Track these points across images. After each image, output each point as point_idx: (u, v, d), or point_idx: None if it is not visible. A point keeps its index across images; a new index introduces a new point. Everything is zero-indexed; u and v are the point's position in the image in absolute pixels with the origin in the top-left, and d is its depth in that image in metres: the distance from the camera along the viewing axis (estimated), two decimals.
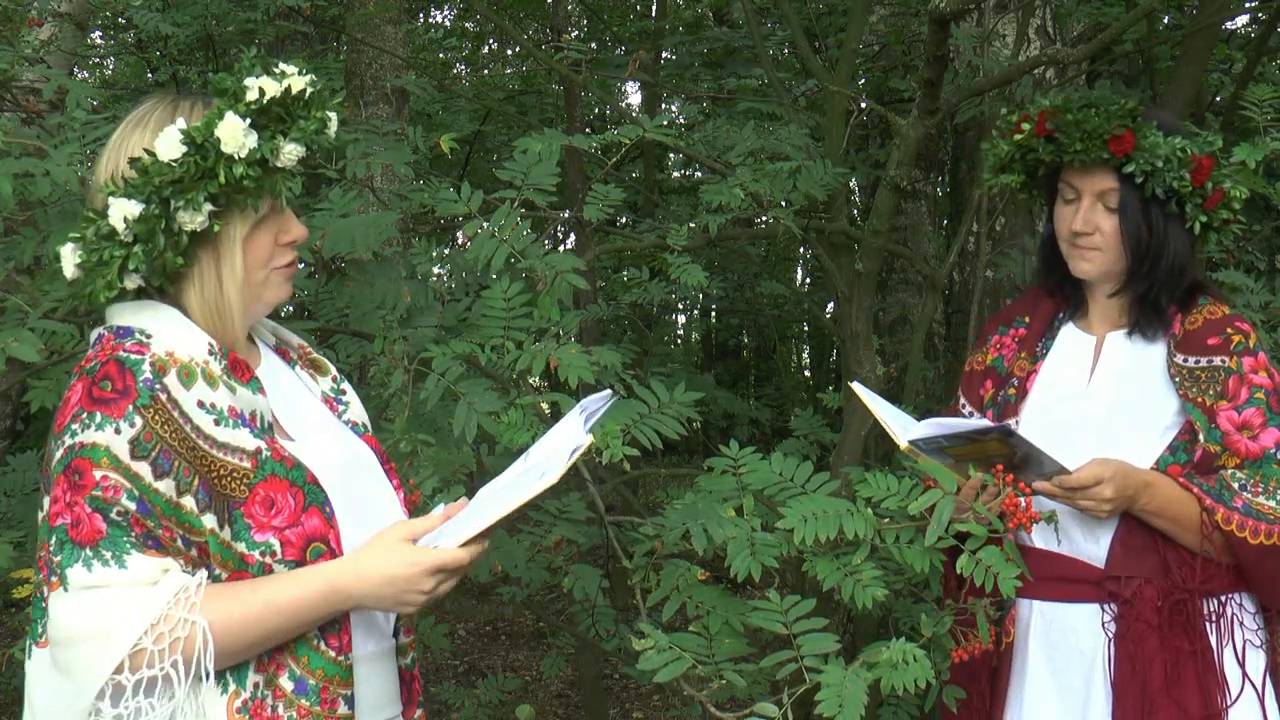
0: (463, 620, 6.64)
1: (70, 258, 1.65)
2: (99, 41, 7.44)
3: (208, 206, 1.62)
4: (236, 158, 1.62)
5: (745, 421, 6.63)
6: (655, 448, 2.27)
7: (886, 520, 2.01)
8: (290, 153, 1.67)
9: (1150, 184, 2.21)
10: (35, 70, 3.63)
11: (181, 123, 1.64)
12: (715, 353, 12.09)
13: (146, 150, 1.63)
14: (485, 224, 2.38)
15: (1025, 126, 2.33)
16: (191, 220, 1.62)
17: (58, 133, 2.50)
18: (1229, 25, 5.91)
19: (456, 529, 1.66)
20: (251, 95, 1.64)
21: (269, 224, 1.71)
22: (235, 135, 1.62)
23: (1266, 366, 2.23)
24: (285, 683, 1.62)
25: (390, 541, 1.64)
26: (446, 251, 2.98)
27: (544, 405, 2.33)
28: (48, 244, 2.38)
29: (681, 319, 12.59)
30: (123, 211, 1.60)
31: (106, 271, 1.62)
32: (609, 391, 1.89)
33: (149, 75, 7.14)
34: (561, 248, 7.41)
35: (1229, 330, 2.24)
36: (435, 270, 3.05)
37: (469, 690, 4.50)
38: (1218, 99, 6.18)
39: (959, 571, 1.96)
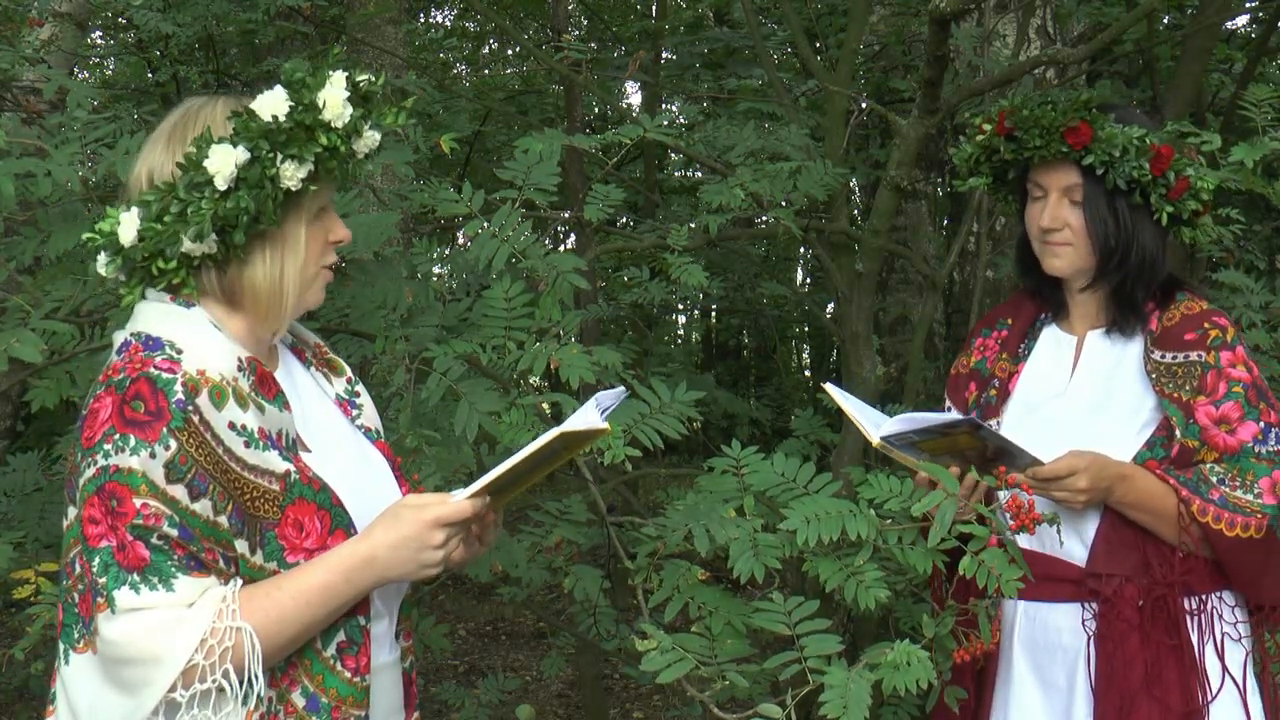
0: (463, 620, 6.64)
1: (131, 222, 1.63)
2: (99, 41, 7.44)
3: (309, 164, 1.64)
4: (333, 125, 1.65)
5: (745, 421, 6.63)
6: (656, 448, 2.27)
7: (888, 521, 2.01)
8: (369, 140, 1.71)
9: (1111, 175, 2.22)
10: (35, 70, 3.63)
11: (279, 89, 1.66)
12: (715, 353, 12.09)
13: (247, 108, 1.64)
14: (486, 224, 2.38)
15: (986, 127, 2.37)
16: (293, 176, 1.63)
17: (58, 133, 2.50)
18: (1229, 25, 5.91)
19: (465, 489, 1.67)
20: (341, 79, 1.67)
21: (323, 219, 1.73)
22: (337, 103, 1.65)
23: (1245, 360, 2.23)
24: (297, 699, 1.63)
25: (395, 507, 1.65)
26: (447, 251, 2.98)
27: (545, 405, 2.33)
28: (48, 244, 2.38)
29: (681, 319, 12.59)
30: (231, 158, 1.60)
31: (198, 220, 1.60)
32: (622, 388, 1.90)
33: (149, 75, 7.14)
34: (562, 248, 7.40)
35: (1206, 325, 2.24)
36: (436, 270, 3.05)
37: (469, 690, 4.49)
38: (1218, 99, 6.18)
39: (962, 573, 1.96)
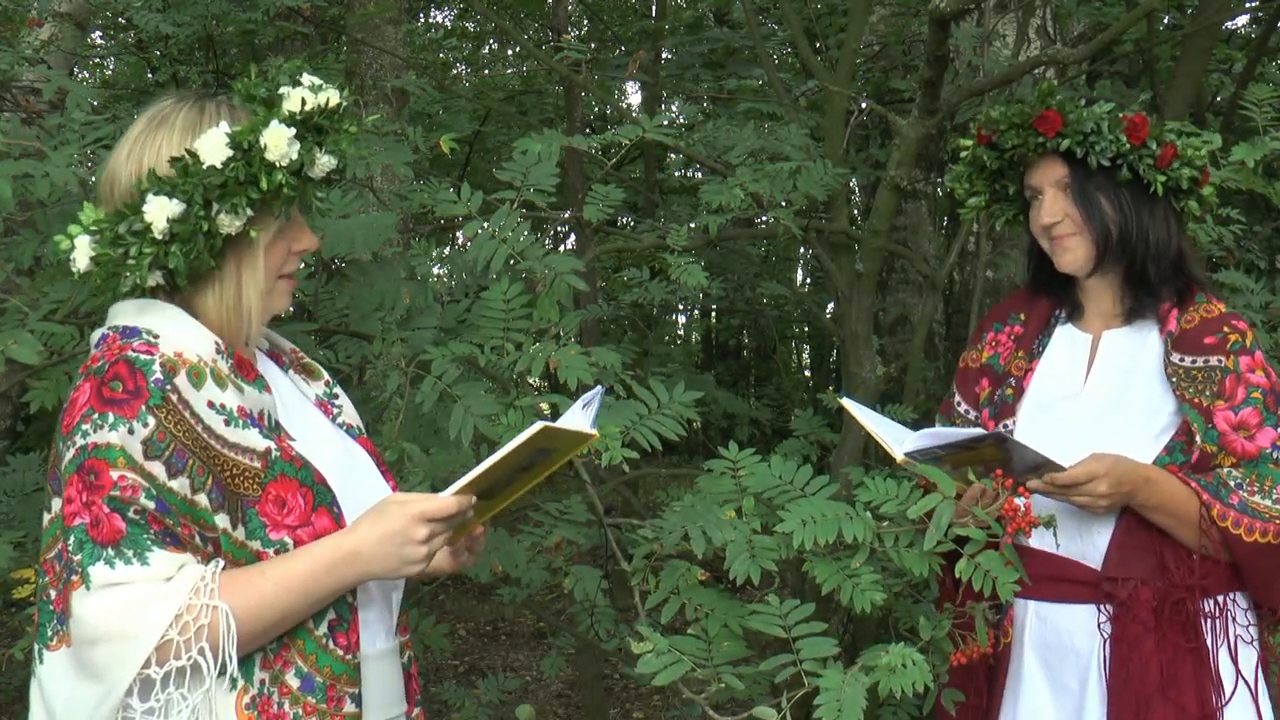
0: (463, 620, 6.64)
1: (85, 249, 1.64)
2: (99, 41, 7.44)
3: (247, 212, 1.64)
4: (278, 165, 1.64)
5: (745, 422, 6.62)
6: (655, 448, 2.26)
7: (886, 523, 2.01)
8: (324, 164, 1.70)
9: (1092, 155, 2.23)
10: (35, 70, 3.63)
11: (225, 125, 1.65)
12: (715, 353, 12.09)
13: (189, 151, 1.63)
14: (485, 225, 2.38)
15: (967, 144, 2.40)
16: (230, 224, 1.63)
17: (57, 133, 2.50)
18: (1229, 25, 5.91)
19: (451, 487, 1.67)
20: (293, 105, 1.66)
21: (285, 232, 1.73)
22: (280, 144, 1.64)
23: (1263, 365, 2.23)
24: (291, 680, 1.63)
25: (382, 503, 1.65)
26: (446, 252, 2.98)
27: (544, 406, 2.33)
28: (47, 245, 2.38)
29: (681, 319, 12.60)
30: (164, 211, 1.60)
31: (134, 268, 1.61)
32: (599, 387, 1.90)
33: (149, 75, 7.14)
34: (562, 248, 7.40)
35: (1225, 329, 2.24)
36: (435, 271, 3.05)
37: (469, 690, 4.49)
38: (1218, 99, 6.18)
39: (958, 576, 1.96)
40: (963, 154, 2.41)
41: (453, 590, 6.90)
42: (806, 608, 1.94)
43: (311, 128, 1.67)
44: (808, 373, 11.79)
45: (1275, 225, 5.10)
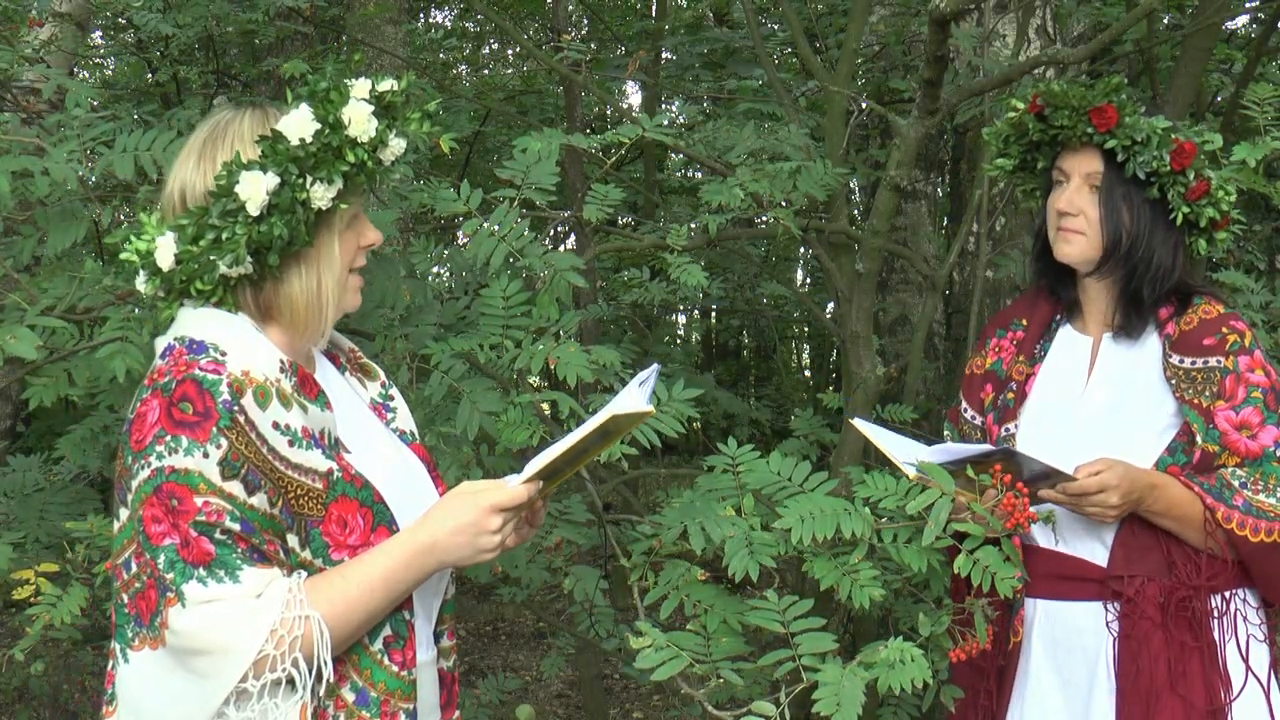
0: (463, 620, 6.64)
1: (168, 246, 1.65)
2: (99, 41, 7.44)
3: (338, 184, 1.66)
4: (359, 141, 1.67)
5: (745, 421, 6.62)
6: (655, 447, 2.26)
7: (884, 520, 2.01)
8: (395, 147, 1.73)
9: (1131, 163, 2.23)
10: (35, 70, 3.64)
11: (304, 108, 1.67)
12: (715, 353, 12.10)
13: (274, 130, 1.66)
14: (485, 223, 2.38)
15: (1019, 105, 2.38)
16: (323, 197, 1.65)
17: (57, 132, 2.50)
18: (1229, 25, 5.91)
19: (520, 474, 1.69)
20: (364, 89, 1.69)
21: (354, 226, 1.75)
22: (363, 119, 1.67)
23: (1263, 365, 2.23)
24: (347, 693, 1.65)
25: (451, 495, 1.68)
26: (446, 250, 2.98)
27: (544, 405, 2.33)
28: (47, 243, 2.38)
29: (681, 319, 12.60)
30: (261, 184, 1.62)
31: (232, 247, 1.62)
32: (655, 365, 1.91)
33: (149, 75, 7.14)
34: (562, 248, 7.40)
35: (1224, 330, 2.24)
36: (435, 269, 3.05)
37: (469, 690, 4.49)
38: (1218, 99, 6.18)
39: (956, 572, 1.96)
40: (1010, 114, 2.41)
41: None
42: (805, 603, 1.94)
43: (384, 106, 1.71)
44: (808, 373, 11.79)
45: (1275, 225, 5.10)
